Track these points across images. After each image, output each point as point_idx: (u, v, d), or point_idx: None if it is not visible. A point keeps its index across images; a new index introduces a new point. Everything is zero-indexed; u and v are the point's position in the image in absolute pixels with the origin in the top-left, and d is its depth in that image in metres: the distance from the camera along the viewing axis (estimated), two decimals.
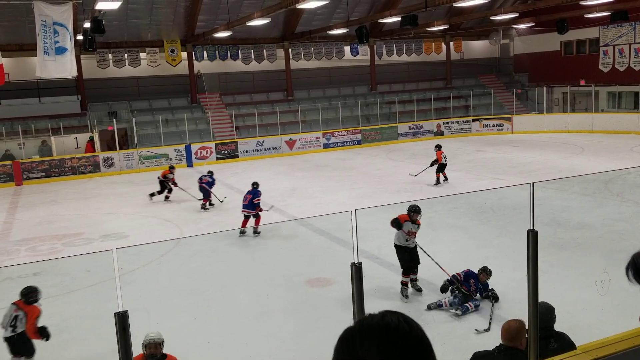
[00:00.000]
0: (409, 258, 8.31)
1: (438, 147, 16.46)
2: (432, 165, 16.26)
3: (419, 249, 8.42)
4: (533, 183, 4.23)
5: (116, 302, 2.73)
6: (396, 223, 8.28)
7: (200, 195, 14.93)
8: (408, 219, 8.37)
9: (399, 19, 20.55)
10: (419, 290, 8.36)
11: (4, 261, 11.00)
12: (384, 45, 29.83)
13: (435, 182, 16.15)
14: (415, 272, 8.39)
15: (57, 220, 14.36)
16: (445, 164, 16.28)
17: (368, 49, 29.34)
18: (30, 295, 6.31)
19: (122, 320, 2.64)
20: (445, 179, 16.33)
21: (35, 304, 6.28)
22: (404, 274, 8.30)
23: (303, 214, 13.58)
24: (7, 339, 6.26)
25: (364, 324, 1.25)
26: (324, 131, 25.81)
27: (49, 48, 13.34)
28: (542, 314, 4.51)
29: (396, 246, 8.46)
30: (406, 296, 8.18)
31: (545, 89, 27.61)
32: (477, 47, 33.55)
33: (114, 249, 2.82)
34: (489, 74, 33.09)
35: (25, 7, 18.84)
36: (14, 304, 6.32)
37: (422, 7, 18.54)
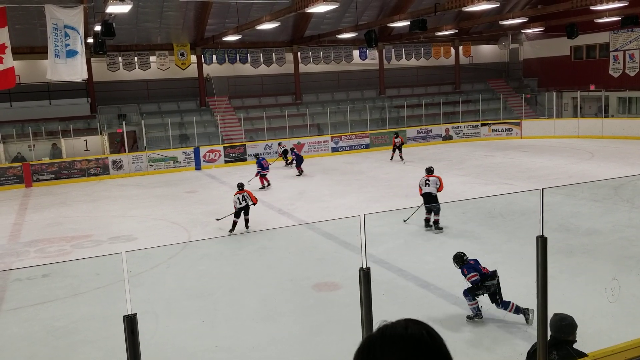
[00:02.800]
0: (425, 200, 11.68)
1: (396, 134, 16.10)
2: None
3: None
4: (542, 189, 4.21)
5: (125, 305, 2.74)
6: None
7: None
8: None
9: (408, 23, 20.53)
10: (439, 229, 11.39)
11: (14, 262, 11.06)
12: (393, 50, 29.82)
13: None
14: (437, 215, 11.46)
15: (66, 222, 14.44)
16: (429, 195, 12.25)
17: (377, 53, 29.34)
18: None
19: (130, 323, 2.64)
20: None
21: None
22: (427, 212, 11.60)
23: (311, 217, 13.58)
24: None
25: (387, 334, 1.23)
26: (332, 135, 25.81)
27: (60, 51, 13.45)
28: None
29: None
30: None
31: (554, 93, 27.49)
32: (486, 52, 33.47)
33: (124, 252, 2.83)
34: (498, 78, 32.99)
35: (36, 11, 19.00)
36: None
37: (431, 11, 18.54)
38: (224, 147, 24.02)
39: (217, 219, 12.91)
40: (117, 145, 23.48)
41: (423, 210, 12.19)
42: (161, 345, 6.38)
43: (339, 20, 26.24)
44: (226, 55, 26.62)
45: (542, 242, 4.20)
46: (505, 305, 7.18)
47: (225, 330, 7.34)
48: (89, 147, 22.59)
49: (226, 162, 23.77)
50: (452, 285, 8.41)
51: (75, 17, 13.51)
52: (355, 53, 28.94)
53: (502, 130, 27.61)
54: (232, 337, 7.13)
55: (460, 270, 7.46)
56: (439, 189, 11.80)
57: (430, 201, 11.63)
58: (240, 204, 12.09)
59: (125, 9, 13.15)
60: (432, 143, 27.02)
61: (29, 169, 21.08)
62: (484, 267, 7.42)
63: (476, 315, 7.33)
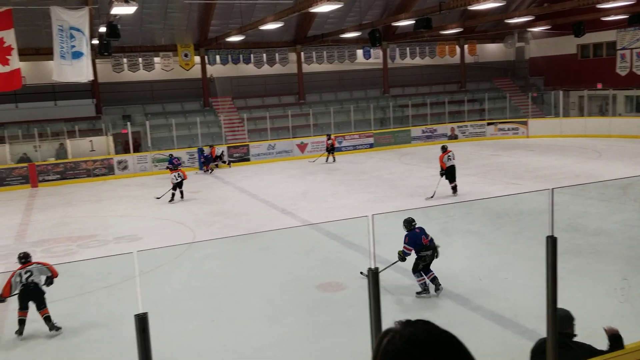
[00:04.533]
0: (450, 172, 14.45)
1: (442, 149, 15.20)
2: (442, 176, 14.82)
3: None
4: (552, 189, 4.16)
5: (136, 304, 2.72)
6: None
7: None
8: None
9: (413, 22, 20.48)
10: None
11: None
12: (397, 49, 29.75)
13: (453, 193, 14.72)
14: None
15: (72, 222, 14.45)
16: (454, 167, 14.73)
17: (381, 52, 29.28)
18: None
19: (141, 322, 2.63)
20: (454, 190, 14.67)
21: None
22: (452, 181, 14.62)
23: (314, 217, 13.54)
24: None
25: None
26: (336, 134, 25.75)
27: (66, 52, 13.48)
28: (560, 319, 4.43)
29: None
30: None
31: (561, 92, 27.34)
32: (492, 50, 33.35)
33: (135, 251, 2.81)
34: (504, 77, 32.86)
35: (41, 12, 19.04)
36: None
37: (436, 10, 18.47)
38: (227, 147, 24.02)
39: (157, 198, 15.64)
40: (122, 144, 23.54)
41: (443, 182, 14.66)
42: (167, 345, 6.36)
43: (343, 19, 26.19)
44: (229, 56, 26.62)
45: (551, 243, 4.16)
46: (419, 275, 7.97)
47: (230, 330, 7.32)
48: (94, 147, 22.62)
49: (229, 162, 23.76)
50: (458, 286, 8.37)
51: (80, 18, 13.53)
52: (359, 52, 28.88)
53: (509, 129, 27.49)
54: (237, 337, 7.11)
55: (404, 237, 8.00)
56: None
57: (454, 172, 14.81)
58: (176, 180, 16.26)
59: (130, 10, 13.16)
60: (437, 142, 26.85)
61: (34, 170, 21.13)
62: (425, 238, 7.97)
63: (424, 290, 7.96)
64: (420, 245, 7.90)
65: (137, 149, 23.42)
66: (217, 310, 8.04)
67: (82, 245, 12.05)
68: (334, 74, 29.60)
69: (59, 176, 21.42)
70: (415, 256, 7.94)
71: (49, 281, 7.46)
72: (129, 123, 23.37)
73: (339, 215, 13.41)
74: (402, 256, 7.95)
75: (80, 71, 13.75)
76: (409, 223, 8.08)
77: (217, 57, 26.43)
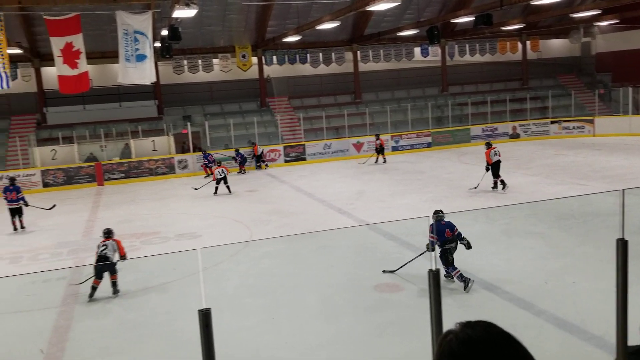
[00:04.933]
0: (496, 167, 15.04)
1: (487, 145, 15.52)
2: (487, 170, 15.21)
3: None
4: (623, 190, 3.93)
5: (199, 300, 2.77)
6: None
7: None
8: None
9: (473, 18, 20.00)
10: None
11: (87, 257, 11.55)
12: (456, 46, 29.16)
13: (492, 186, 15.23)
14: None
15: (135, 219, 14.97)
16: (499, 163, 15.14)
17: (439, 50, 28.78)
18: None
19: (205, 317, 2.68)
20: (503, 184, 15.10)
21: None
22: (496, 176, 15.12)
23: (370, 217, 13.45)
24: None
25: (483, 339, 1.23)
26: (393, 134, 25.53)
27: (130, 55, 13.93)
28: None
29: None
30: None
31: (630, 89, 26.00)
32: (556, 46, 32.13)
33: (199, 248, 2.86)
34: (569, 73, 31.60)
35: (107, 17, 19.83)
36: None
37: (497, 5, 17.97)
38: (284, 146, 24.24)
39: (195, 189, 16.07)
40: (184, 145, 24.22)
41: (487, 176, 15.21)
42: (226, 341, 6.43)
43: (400, 17, 25.91)
44: (286, 56, 26.88)
45: (622, 245, 3.94)
46: (452, 269, 8.11)
47: (287, 328, 7.36)
48: (156, 147, 23.36)
49: (285, 161, 23.98)
50: (520, 289, 8.10)
51: (144, 22, 13.95)
52: (417, 50, 28.50)
53: (574, 127, 26.42)
54: (294, 335, 7.14)
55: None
56: None
57: (499, 167, 15.23)
58: (221, 175, 17.20)
59: (191, 13, 13.48)
60: (498, 141, 26.07)
61: (100, 169, 22.04)
62: (450, 231, 8.18)
63: (465, 281, 8.00)
64: (444, 238, 8.14)
65: (196, 148, 24.00)
66: (274, 308, 8.11)
67: (145, 242, 12.45)
68: (390, 73, 29.33)
69: (123, 175, 22.25)
70: (440, 250, 8.15)
71: (121, 258, 8.88)
72: (188, 123, 24.01)
73: (395, 216, 13.26)
74: (431, 246, 7.87)
75: (143, 73, 14.17)
76: (436, 214, 8.52)
77: (274, 57, 26.74)
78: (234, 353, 6.56)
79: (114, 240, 9.10)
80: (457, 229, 8.30)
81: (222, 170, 17.51)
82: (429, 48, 28.23)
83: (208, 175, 21.58)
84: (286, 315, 7.81)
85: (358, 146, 24.81)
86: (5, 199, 14.11)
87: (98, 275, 8.68)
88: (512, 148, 24.09)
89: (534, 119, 27.37)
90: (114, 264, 8.77)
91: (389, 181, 18.30)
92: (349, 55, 27.92)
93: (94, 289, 8.59)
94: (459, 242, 8.29)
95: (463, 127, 26.64)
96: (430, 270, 3.38)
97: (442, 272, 8.04)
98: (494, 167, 15.16)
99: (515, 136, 26.64)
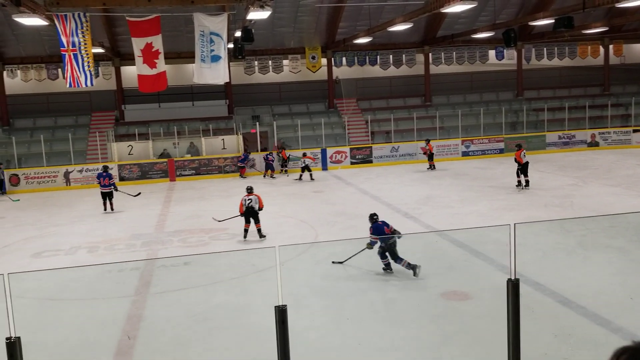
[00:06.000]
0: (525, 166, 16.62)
1: (518, 147, 17.08)
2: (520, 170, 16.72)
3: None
4: None
5: (272, 296, 2.77)
6: None
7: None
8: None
9: (552, 21, 19.22)
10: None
11: (159, 250, 11.98)
12: (533, 49, 28.13)
13: (516, 185, 16.73)
14: None
15: (204, 215, 15.36)
16: (527, 163, 16.63)
17: (515, 53, 27.86)
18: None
19: (281, 314, 2.68)
20: (527, 183, 16.59)
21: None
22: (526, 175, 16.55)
23: (438, 223, 13.17)
24: None
25: None
26: (463, 138, 24.95)
27: (206, 56, 14.31)
28: None
29: None
30: None
31: None
32: None
33: (277, 246, 2.86)
34: None
35: (184, 18, 20.53)
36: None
37: (579, 8, 17.15)
38: (350, 148, 24.21)
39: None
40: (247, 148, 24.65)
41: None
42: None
43: (475, 19, 25.29)
44: (356, 58, 26.84)
45: None
46: (399, 260, 9.09)
47: (351, 330, 7.31)
48: (226, 145, 23.93)
49: (352, 163, 23.94)
50: (597, 305, 7.68)
51: (220, 24, 14.28)
52: (491, 53, 27.73)
53: None
54: (358, 337, 7.08)
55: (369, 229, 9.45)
56: None
57: (527, 167, 16.63)
58: (303, 164, 15.96)
59: (264, 15, 13.69)
60: (575, 149, 25.09)
61: (173, 165, 22.83)
62: (387, 228, 9.38)
63: (387, 268, 9.31)
64: (385, 235, 9.32)
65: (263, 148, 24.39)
66: (338, 309, 8.08)
67: (213, 237, 12.76)
68: (463, 76, 28.70)
69: (193, 172, 22.95)
70: (386, 245, 9.23)
71: (259, 209, 12.04)
72: (257, 123, 24.46)
73: (464, 223, 12.93)
74: (370, 245, 9.32)
75: (217, 73, 14.51)
76: (371, 217, 9.65)
77: (344, 58, 26.78)
78: (297, 352, 6.57)
79: (256, 195, 12.06)
80: (392, 225, 9.55)
81: (304, 160, 18.96)
82: (505, 51, 27.39)
83: (242, 176, 22.48)
84: (350, 318, 7.76)
85: (430, 149, 24.41)
86: (99, 183, 16.42)
87: (247, 221, 11.94)
88: (590, 157, 22.97)
89: (615, 127, 25.97)
90: (258, 213, 11.84)
91: (458, 187, 17.88)
92: (420, 57, 27.54)
93: (245, 231, 11.95)
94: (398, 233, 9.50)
95: (538, 133, 25.65)
96: (509, 280, 3.23)
97: (381, 265, 9.35)
98: (524, 167, 16.61)
99: (594, 144, 25.37)
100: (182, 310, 8.17)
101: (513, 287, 3.07)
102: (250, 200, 11.97)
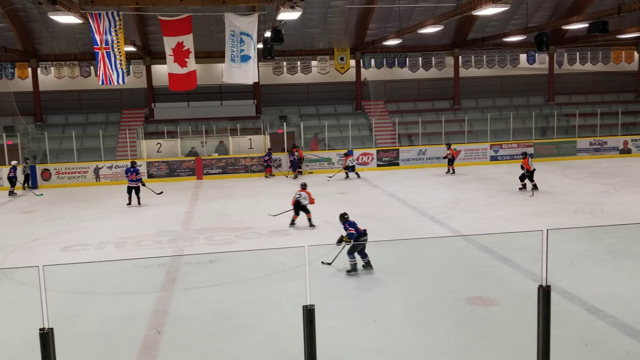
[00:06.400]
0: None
1: (524, 155, 17.49)
2: (526, 177, 17.19)
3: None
4: None
5: (304, 296, 2.77)
6: None
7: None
8: None
9: (586, 25, 18.86)
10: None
11: (185, 247, 12.12)
12: (566, 53, 27.65)
13: (520, 188, 17.25)
14: None
15: (230, 213, 15.49)
16: (534, 171, 17.17)
17: (547, 57, 27.42)
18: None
19: (309, 314, 2.68)
20: (535, 187, 17.01)
21: None
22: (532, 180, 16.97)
23: (465, 228, 13.02)
24: None
25: None
26: (492, 142, 24.64)
27: (235, 56, 14.43)
28: None
29: None
30: None
31: None
32: None
33: (306, 245, 2.86)
34: None
35: (214, 18, 20.71)
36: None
37: (614, 12, 16.84)
38: (377, 150, 24.13)
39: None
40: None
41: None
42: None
43: (507, 22, 24.98)
44: (385, 59, 26.75)
45: None
46: (365, 255, 9.72)
47: (376, 332, 7.27)
48: (253, 145, 24.09)
49: (378, 165, 23.85)
50: (625, 314, 7.51)
51: (250, 24, 14.39)
52: (522, 57, 27.34)
53: None
54: (382, 340, 7.04)
55: (343, 226, 9.95)
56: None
57: (534, 173, 17.14)
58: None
59: (295, 15, 13.72)
60: (606, 156, 24.56)
61: (200, 163, 23.08)
62: (359, 227, 9.89)
63: (353, 269, 9.58)
64: (358, 232, 9.80)
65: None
66: (362, 311, 8.06)
67: (239, 236, 12.85)
68: (493, 79, 28.36)
69: (220, 170, 23.15)
70: (352, 242, 9.66)
71: (310, 204, 13.31)
72: (284, 124, 24.55)
73: (491, 228, 12.77)
74: (349, 238, 9.71)
75: (247, 73, 14.62)
76: (342, 217, 10.17)
77: (372, 60, 26.73)
78: (321, 352, 6.57)
79: (306, 192, 13.33)
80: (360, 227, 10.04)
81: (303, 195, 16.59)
82: (536, 55, 26.99)
83: (266, 176, 22.58)
84: (374, 320, 7.73)
85: (455, 154, 24.15)
86: (127, 178, 17.09)
87: (296, 213, 13.38)
88: (622, 164, 22.47)
89: None
90: (306, 206, 13.25)
91: (486, 191, 17.67)
92: (449, 60, 27.31)
93: (293, 221, 13.47)
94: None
95: (569, 139, 25.19)
96: (540, 287, 3.18)
97: (361, 263, 9.74)
98: (532, 173, 17.08)
99: (626, 151, 24.80)
100: (207, 308, 8.24)
101: (544, 293, 3.02)
102: (299, 196, 13.29)
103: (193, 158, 23.26)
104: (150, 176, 22.48)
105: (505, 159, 24.35)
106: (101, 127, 24.64)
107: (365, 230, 9.95)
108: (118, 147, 24.24)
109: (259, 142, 24.22)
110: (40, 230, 14.14)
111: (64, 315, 8.05)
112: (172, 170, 22.89)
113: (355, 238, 9.69)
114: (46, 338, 4.15)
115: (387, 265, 10.19)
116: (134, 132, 24.30)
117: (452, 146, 22.36)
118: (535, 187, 17.01)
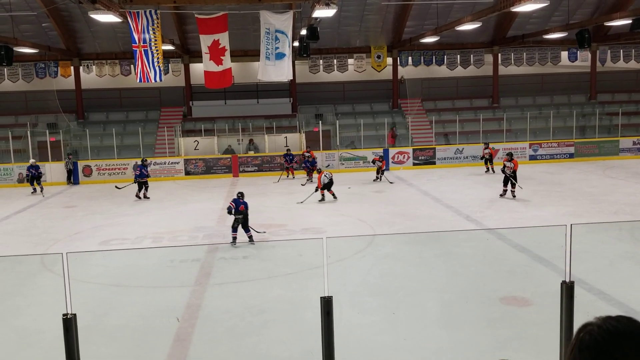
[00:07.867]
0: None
1: (511, 155, 16.45)
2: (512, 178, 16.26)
3: None
4: None
5: (322, 287, 2.78)
6: None
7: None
8: None
9: (630, 21, 18.25)
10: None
11: (220, 243, 12.27)
12: (609, 51, 26.80)
13: (501, 194, 16.35)
14: None
15: (265, 210, 15.61)
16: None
17: (589, 54, 26.65)
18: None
19: (327, 305, 2.68)
20: (514, 186, 16.05)
21: None
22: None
23: (501, 228, 12.78)
24: None
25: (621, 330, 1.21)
26: (532, 142, 24.11)
27: (270, 54, 14.52)
28: None
29: None
30: None
31: None
32: None
33: (324, 237, 2.87)
34: None
35: (251, 16, 20.91)
36: None
37: None
38: (413, 149, 23.91)
39: (301, 202, 16.36)
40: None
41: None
42: (343, 336, 6.49)
43: (547, 19, 24.38)
44: (422, 57, 26.47)
45: None
46: (248, 230, 11.50)
47: (406, 330, 7.22)
48: (288, 143, 24.20)
49: (414, 164, 23.64)
50: None
51: (285, 22, 14.46)
52: (564, 54, 26.63)
53: None
54: (412, 338, 6.99)
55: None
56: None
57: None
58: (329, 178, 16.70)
59: (330, 12, 13.75)
60: None
61: (236, 161, 23.34)
62: (243, 207, 11.50)
63: (233, 241, 11.37)
64: (237, 210, 11.39)
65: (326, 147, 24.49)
66: (393, 309, 8.01)
67: (273, 233, 12.94)
68: (533, 77, 27.74)
69: (256, 168, 23.36)
70: (234, 217, 11.39)
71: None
72: (320, 122, 24.58)
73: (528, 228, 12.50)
74: (229, 210, 11.58)
75: (282, 71, 14.69)
76: (239, 193, 12.00)
77: (409, 58, 26.48)
78: (351, 349, 6.57)
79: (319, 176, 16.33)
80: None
81: (328, 174, 16.79)
82: (578, 52, 26.25)
83: (288, 176, 21.96)
84: (405, 318, 7.67)
85: (492, 153, 23.74)
86: (136, 174, 18.41)
87: (327, 188, 16.19)
88: None
89: None
90: (328, 184, 16.34)
91: (524, 191, 17.26)
92: (488, 57, 26.83)
93: (322, 195, 16.31)
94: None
95: (611, 138, 24.43)
96: (564, 282, 3.10)
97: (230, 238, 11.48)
98: (515, 174, 16.11)
99: None
100: (239, 302, 8.34)
101: (567, 289, 2.94)
102: (325, 176, 16.40)
103: (229, 156, 23.53)
104: (187, 173, 22.86)
105: (545, 159, 23.79)
106: (140, 125, 25.18)
107: (244, 209, 11.52)
108: (157, 144, 24.74)
109: (295, 140, 24.32)
110: (80, 225, 14.57)
111: (101, 307, 8.27)
112: (209, 167, 23.22)
113: (235, 214, 11.43)
114: (69, 323, 4.28)
115: (420, 263, 10.10)
116: (172, 129, 24.75)
117: (490, 145, 21.97)
118: (513, 185, 16.00)
